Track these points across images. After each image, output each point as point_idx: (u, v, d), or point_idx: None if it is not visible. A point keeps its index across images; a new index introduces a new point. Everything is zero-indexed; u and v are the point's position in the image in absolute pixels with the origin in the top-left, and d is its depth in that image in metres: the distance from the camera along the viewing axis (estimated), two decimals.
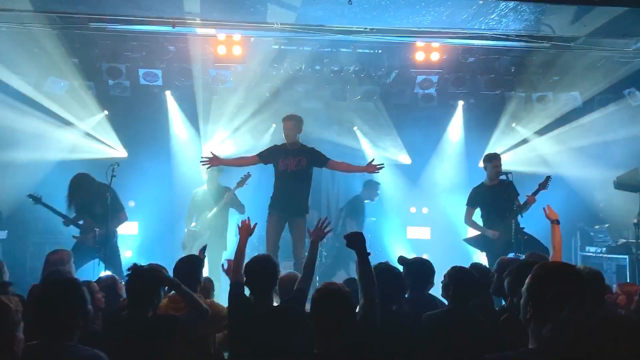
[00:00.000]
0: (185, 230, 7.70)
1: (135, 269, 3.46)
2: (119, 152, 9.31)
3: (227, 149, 9.60)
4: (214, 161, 6.48)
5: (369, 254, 3.39)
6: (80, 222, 6.46)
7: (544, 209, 4.97)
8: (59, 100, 8.53)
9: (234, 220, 7.68)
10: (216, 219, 7.56)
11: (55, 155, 8.58)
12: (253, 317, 3.47)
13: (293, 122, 6.42)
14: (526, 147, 9.66)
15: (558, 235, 4.80)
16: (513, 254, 5.82)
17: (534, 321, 2.13)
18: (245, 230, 4.03)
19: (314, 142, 9.74)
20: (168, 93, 9.12)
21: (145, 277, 3.42)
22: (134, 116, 9.23)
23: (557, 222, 4.82)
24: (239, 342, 3.51)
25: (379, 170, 6.51)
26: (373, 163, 6.45)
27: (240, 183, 7.59)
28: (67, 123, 8.78)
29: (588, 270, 3.50)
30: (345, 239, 3.47)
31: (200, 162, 6.56)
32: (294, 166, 6.33)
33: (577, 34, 7.14)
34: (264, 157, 6.54)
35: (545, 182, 6.58)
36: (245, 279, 3.62)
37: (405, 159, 10.27)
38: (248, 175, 7.62)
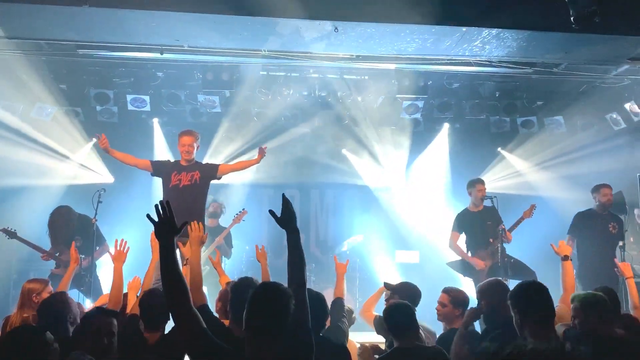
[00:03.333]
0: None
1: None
2: (105, 177, 9.28)
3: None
4: (103, 143, 6.14)
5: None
6: (57, 254, 6.40)
7: (551, 245, 4.65)
8: (49, 129, 8.53)
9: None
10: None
11: (39, 182, 8.52)
12: None
13: (192, 138, 6.10)
14: (512, 171, 9.77)
15: (569, 273, 4.38)
16: (500, 278, 5.81)
17: None
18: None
19: (305, 165, 9.89)
20: (155, 121, 9.12)
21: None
22: (122, 141, 9.16)
23: (567, 258, 4.47)
24: None
25: (263, 153, 6.14)
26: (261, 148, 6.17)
27: (236, 220, 7.67)
28: (58, 153, 8.78)
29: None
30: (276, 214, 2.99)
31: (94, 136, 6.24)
32: (187, 181, 6.03)
33: (559, 61, 7.29)
34: (156, 166, 6.25)
35: (529, 211, 6.68)
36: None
37: (392, 183, 10.32)
38: (244, 212, 7.76)
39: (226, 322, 3.65)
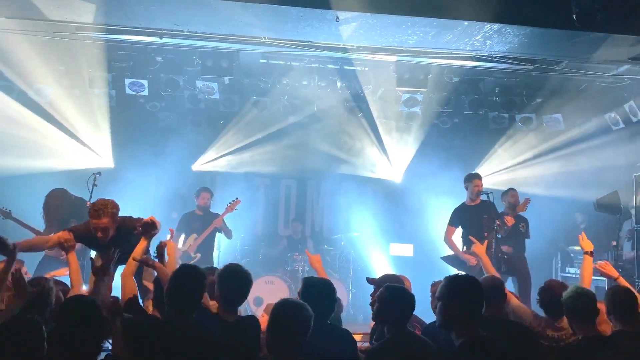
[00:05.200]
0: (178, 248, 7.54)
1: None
2: (106, 161, 9.23)
3: (217, 163, 9.72)
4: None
5: None
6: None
7: (579, 236, 4.69)
8: (47, 110, 8.48)
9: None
10: (205, 242, 7.62)
11: (36, 164, 8.48)
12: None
13: (106, 219, 4.60)
14: (509, 167, 9.77)
15: (589, 267, 4.46)
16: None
17: None
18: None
19: (302, 155, 9.86)
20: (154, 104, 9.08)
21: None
22: (119, 125, 9.18)
23: (591, 253, 4.52)
24: None
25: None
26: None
27: (229, 209, 7.66)
28: (56, 135, 8.72)
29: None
30: None
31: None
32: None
33: (560, 58, 7.27)
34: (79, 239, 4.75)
35: (523, 205, 6.68)
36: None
37: (390, 175, 10.33)
38: (237, 201, 7.74)
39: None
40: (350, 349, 3.50)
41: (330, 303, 3.53)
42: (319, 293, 3.41)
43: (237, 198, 7.83)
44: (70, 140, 8.93)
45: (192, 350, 2.99)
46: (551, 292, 3.80)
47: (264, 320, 4.17)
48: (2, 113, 8.08)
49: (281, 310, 2.89)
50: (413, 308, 3.49)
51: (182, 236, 7.67)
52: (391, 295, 3.44)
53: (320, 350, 3.04)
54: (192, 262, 6.93)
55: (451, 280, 3.07)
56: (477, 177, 7.06)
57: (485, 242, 5.60)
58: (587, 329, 3.40)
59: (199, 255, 7.54)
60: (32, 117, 8.38)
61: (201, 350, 3.02)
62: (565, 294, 3.54)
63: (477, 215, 6.78)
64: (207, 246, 7.65)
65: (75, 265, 4.26)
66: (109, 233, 4.68)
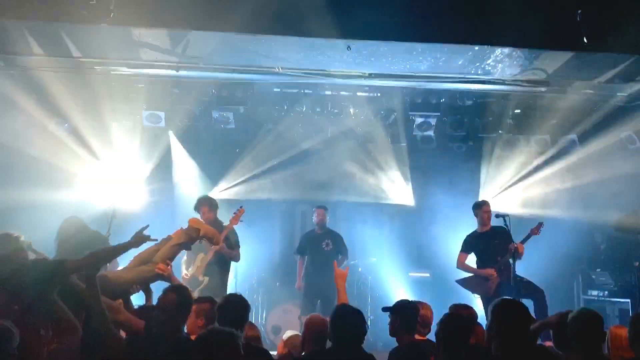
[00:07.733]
0: (183, 275, 6.52)
1: None
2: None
3: (233, 190, 9.76)
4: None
5: None
6: None
7: None
8: (64, 144, 8.63)
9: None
10: (213, 263, 6.45)
11: (55, 196, 8.58)
12: None
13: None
14: (525, 189, 9.69)
15: None
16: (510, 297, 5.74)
17: None
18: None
19: (317, 182, 9.88)
20: (171, 133, 9.19)
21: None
22: (138, 157, 9.27)
23: None
24: None
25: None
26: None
27: (233, 221, 6.38)
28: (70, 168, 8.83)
29: (587, 312, 3.47)
30: None
31: None
32: None
33: (573, 79, 7.28)
34: None
35: (537, 228, 6.60)
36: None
37: (406, 200, 10.27)
38: (241, 210, 6.55)
39: None
40: None
41: (359, 331, 3.54)
42: (350, 322, 3.51)
43: (241, 207, 6.60)
44: (91, 173, 9.02)
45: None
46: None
47: (280, 347, 4.20)
48: (21, 146, 8.22)
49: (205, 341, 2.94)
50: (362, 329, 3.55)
51: (185, 258, 6.65)
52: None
53: None
54: (200, 288, 6.23)
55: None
56: (485, 203, 7.12)
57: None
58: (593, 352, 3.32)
59: (207, 279, 6.38)
60: (50, 149, 8.51)
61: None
62: (571, 315, 3.46)
63: (488, 242, 6.82)
64: (218, 268, 6.46)
65: None
66: None
